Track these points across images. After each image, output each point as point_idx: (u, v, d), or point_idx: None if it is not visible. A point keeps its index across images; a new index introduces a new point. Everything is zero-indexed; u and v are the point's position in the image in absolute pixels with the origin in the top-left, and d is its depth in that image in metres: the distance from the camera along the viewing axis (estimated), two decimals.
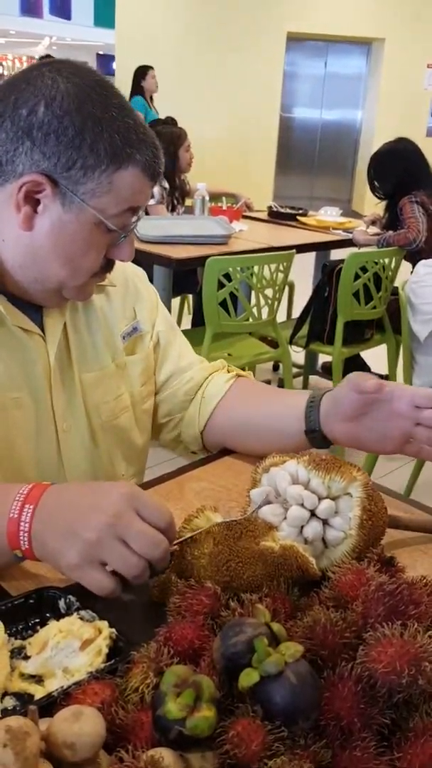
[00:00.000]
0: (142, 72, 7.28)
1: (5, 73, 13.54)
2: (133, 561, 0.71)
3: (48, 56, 6.35)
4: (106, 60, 12.97)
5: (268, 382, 3.68)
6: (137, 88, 7.28)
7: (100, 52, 13.56)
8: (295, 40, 9.81)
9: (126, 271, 1.18)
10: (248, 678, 0.57)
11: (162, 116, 5.27)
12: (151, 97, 7.31)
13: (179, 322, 4.28)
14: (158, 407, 1.23)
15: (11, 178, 0.90)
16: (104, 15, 10.28)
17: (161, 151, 0.95)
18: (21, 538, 0.75)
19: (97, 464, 1.11)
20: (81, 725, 0.52)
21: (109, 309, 1.13)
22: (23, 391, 1.00)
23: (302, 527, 0.80)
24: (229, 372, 1.23)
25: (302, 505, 0.80)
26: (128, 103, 0.94)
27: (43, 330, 1.02)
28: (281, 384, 3.32)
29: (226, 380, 1.20)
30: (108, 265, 0.99)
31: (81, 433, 1.08)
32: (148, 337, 1.19)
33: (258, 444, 1.11)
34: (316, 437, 1.05)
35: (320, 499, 0.81)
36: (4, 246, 0.95)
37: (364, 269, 3.12)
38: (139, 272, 1.23)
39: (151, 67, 7.25)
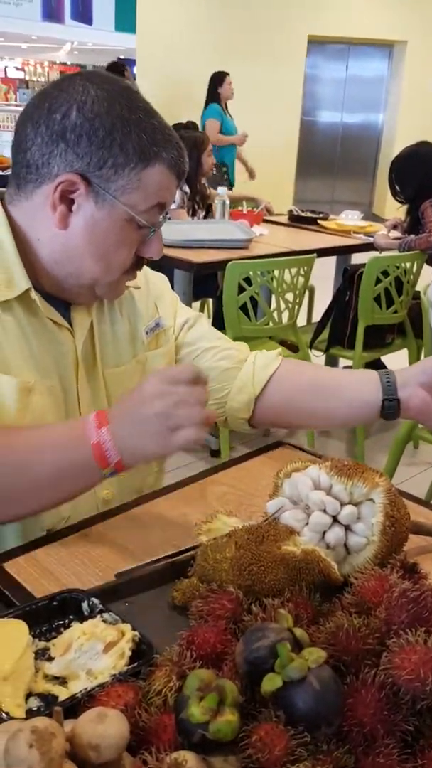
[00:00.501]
0: (218, 78, 6.89)
1: (27, 78, 13.66)
2: (194, 411, 0.85)
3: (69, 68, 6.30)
4: (127, 64, 13.05)
5: None
6: (213, 95, 6.87)
7: (121, 57, 13.64)
8: (315, 43, 9.79)
9: (148, 275, 1.21)
10: (271, 683, 0.57)
11: (184, 121, 5.27)
12: (225, 104, 6.89)
13: None
14: None
15: (47, 180, 0.95)
16: (125, 20, 10.33)
17: (185, 151, 1.00)
18: (109, 456, 0.87)
19: None
20: (105, 727, 0.53)
21: (132, 307, 1.15)
22: (55, 380, 1.04)
23: (324, 533, 0.80)
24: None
25: (324, 510, 0.80)
26: (152, 106, 0.98)
27: (71, 325, 1.05)
28: None
29: (275, 354, 1.21)
30: (138, 263, 1.03)
31: None
32: (170, 332, 1.21)
33: (323, 410, 1.15)
34: (392, 405, 1.08)
35: (342, 504, 0.81)
36: (39, 245, 0.99)
37: (385, 273, 3.11)
38: (162, 277, 1.26)
39: (227, 74, 6.86)
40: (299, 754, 0.54)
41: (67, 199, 0.95)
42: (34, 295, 0.99)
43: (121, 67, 7.16)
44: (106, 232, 0.96)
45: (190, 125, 4.75)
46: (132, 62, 9.81)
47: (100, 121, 0.92)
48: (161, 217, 1.00)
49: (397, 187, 3.64)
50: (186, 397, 0.86)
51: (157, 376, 0.88)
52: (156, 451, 0.88)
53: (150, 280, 1.21)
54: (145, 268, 1.21)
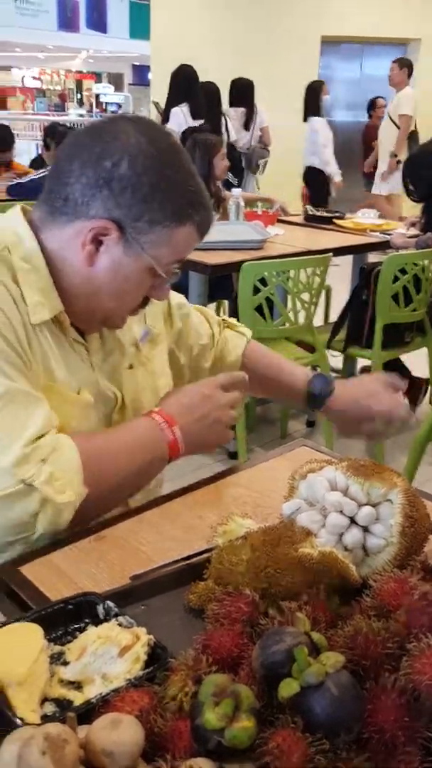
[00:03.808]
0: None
1: (44, 87, 13.75)
2: (233, 413, 1.11)
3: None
4: (141, 70, 13.10)
5: None
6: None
7: (136, 63, 13.68)
8: (329, 43, 9.76)
9: None
10: (288, 688, 0.56)
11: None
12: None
13: None
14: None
15: (82, 218, 0.99)
16: (139, 27, 10.38)
17: (213, 214, 1.09)
18: (180, 449, 1.05)
19: None
20: (119, 733, 0.52)
21: (128, 321, 1.18)
22: (97, 389, 1.10)
23: (341, 535, 0.79)
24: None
25: (341, 512, 0.79)
26: (192, 167, 1.04)
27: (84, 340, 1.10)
28: None
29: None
30: (144, 302, 1.09)
31: None
32: (161, 337, 1.26)
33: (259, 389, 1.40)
34: (316, 402, 1.33)
35: (360, 505, 0.79)
36: (63, 274, 1.04)
37: (403, 271, 3.08)
38: None
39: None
40: (318, 761, 0.53)
41: (97, 240, 1.00)
42: (64, 317, 1.04)
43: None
44: (127, 275, 1.02)
45: (205, 128, 4.74)
46: (146, 68, 9.86)
47: (147, 177, 0.97)
48: (176, 268, 1.06)
49: (411, 186, 3.61)
50: (224, 401, 1.09)
51: (203, 383, 1.11)
52: (216, 443, 1.12)
53: None
54: None
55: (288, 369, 1.40)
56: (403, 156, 6.73)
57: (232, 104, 6.58)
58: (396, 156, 7.04)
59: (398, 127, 7.16)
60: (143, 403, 1.16)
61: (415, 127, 7.21)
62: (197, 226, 1.03)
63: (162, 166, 0.99)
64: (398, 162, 6.78)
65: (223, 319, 1.45)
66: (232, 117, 6.38)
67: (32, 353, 1.01)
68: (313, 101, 6.88)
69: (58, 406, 1.01)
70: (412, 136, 7.14)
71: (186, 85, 5.72)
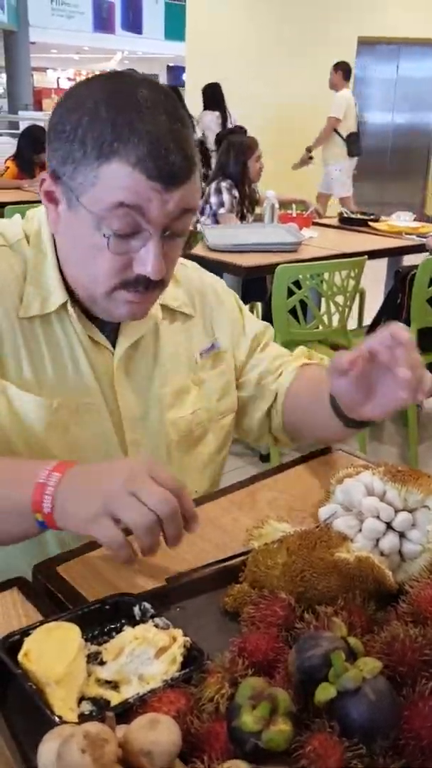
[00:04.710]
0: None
1: None
2: (144, 511, 0.76)
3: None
4: (176, 72, 13.15)
5: None
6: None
7: (171, 64, 13.76)
8: (365, 44, 9.70)
9: (204, 287, 1.19)
10: (325, 693, 0.56)
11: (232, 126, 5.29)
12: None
13: None
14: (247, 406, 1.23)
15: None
16: (174, 28, 10.43)
17: (175, 151, 0.87)
18: (45, 501, 0.80)
19: None
20: (157, 734, 0.53)
21: (186, 331, 1.14)
22: (96, 397, 1.02)
23: (378, 540, 0.79)
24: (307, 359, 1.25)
25: (378, 517, 0.79)
26: (155, 104, 0.89)
27: (115, 342, 1.04)
28: None
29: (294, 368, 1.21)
30: (138, 281, 0.93)
31: (156, 447, 1.09)
32: (229, 354, 1.19)
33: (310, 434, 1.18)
34: (353, 425, 1.03)
35: (396, 511, 0.79)
36: (59, 255, 0.99)
37: None
38: (216, 283, 1.23)
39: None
40: (354, 766, 0.53)
41: (51, 199, 0.94)
42: (70, 308, 0.99)
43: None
44: (78, 236, 0.92)
45: (238, 129, 4.75)
46: (181, 69, 9.89)
47: (69, 115, 0.89)
48: (148, 226, 0.89)
49: None
50: (149, 493, 0.76)
51: (143, 461, 0.80)
52: (77, 525, 0.79)
53: (206, 293, 1.19)
54: (210, 284, 1.21)
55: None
56: (317, 153, 7.32)
57: (206, 108, 7.04)
58: (310, 151, 7.32)
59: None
60: (178, 427, 1.09)
61: (357, 128, 7.49)
62: (134, 164, 0.85)
63: (87, 102, 0.87)
64: (310, 158, 7.24)
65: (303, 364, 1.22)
66: (210, 120, 6.91)
67: (10, 347, 0.96)
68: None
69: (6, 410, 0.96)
70: (351, 137, 7.39)
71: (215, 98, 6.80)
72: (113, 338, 1.04)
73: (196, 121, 6.67)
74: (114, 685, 0.68)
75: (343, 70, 7.32)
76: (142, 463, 0.80)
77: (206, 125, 6.84)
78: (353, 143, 7.36)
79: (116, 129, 0.86)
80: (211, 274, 1.24)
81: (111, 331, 1.04)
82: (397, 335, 0.84)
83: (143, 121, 0.86)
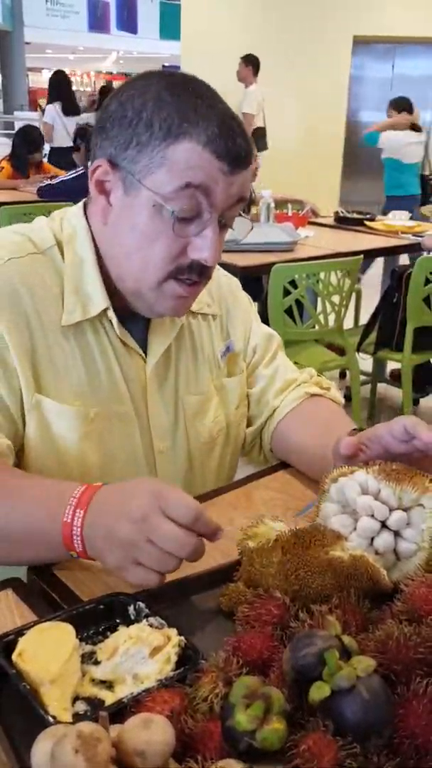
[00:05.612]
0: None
1: (75, 88, 13.90)
2: (164, 559, 0.74)
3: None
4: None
5: None
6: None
7: (166, 64, 13.78)
8: (361, 43, 9.70)
9: (221, 288, 1.18)
10: (319, 691, 0.56)
11: None
12: None
13: None
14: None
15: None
16: (170, 27, 10.45)
17: (240, 132, 0.89)
18: (75, 541, 0.79)
19: (190, 485, 1.12)
20: (151, 733, 0.52)
21: (209, 333, 1.14)
22: (128, 405, 1.02)
23: (372, 539, 0.79)
24: (314, 385, 1.22)
25: (372, 515, 0.79)
26: (208, 91, 0.92)
27: (146, 348, 1.03)
28: (348, 392, 3.28)
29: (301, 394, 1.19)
30: (192, 268, 0.93)
31: (179, 455, 1.09)
32: (240, 357, 1.18)
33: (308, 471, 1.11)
34: None
35: (391, 510, 0.79)
36: (102, 253, 0.98)
37: None
38: (232, 282, 1.23)
39: None
40: (348, 765, 0.53)
41: (102, 188, 0.93)
42: (111, 315, 0.98)
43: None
44: (135, 222, 0.91)
45: None
46: (177, 69, 9.89)
47: (131, 102, 0.89)
48: (210, 209, 0.89)
49: None
50: (165, 539, 0.73)
51: (152, 491, 0.76)
52: (112, 569, 0.78)
53: (223, 294, 1.18)
54: (227, 283, 1.20)
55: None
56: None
57: None
58: None
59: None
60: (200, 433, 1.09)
61: (264, 122, 7.20)
62: (204, 144, 0.86)
63: (150, 89, 0.89)
64: None
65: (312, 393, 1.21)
66: None
67: (50, 358, 0.95)
68: None
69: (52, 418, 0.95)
70: (258, 131, 7.10)
71: None
72: (143, 344, 1.04)
73: None
74: (108, 685, 0.68)
75: (253, 64, 7.08)
76: (152, 495, 0.75)
77: None
78: (260, 138, 7.08)
79: (183, 111, 0.87)
80: (226, 272, 1.23)
81: (140, 337, 1.03)
82: (413, 430, 0.84)
83: (208, 106, 0.88)
